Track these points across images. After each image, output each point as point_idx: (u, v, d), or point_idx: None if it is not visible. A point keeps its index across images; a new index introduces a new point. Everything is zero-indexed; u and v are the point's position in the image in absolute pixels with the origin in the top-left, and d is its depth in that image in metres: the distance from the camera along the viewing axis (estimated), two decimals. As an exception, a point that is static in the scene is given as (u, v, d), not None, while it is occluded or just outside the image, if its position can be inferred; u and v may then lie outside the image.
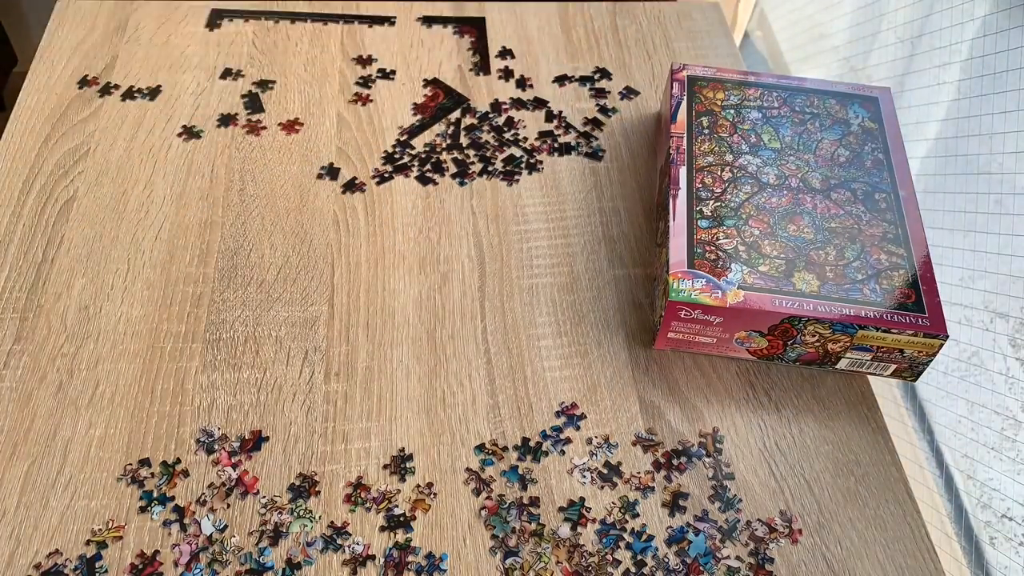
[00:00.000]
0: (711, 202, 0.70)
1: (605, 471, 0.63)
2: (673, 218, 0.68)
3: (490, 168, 0.82)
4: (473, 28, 0.95)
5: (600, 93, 0.89)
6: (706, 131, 0.75)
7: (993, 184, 1.12)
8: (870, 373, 0.67)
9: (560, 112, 0.87)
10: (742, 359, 0.68)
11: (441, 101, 0.87)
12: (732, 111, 0.77)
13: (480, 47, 0.93)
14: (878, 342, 0.64)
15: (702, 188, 0.71)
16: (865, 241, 0.68)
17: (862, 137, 0.76)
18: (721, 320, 0.63)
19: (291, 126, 0.84)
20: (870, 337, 0.63)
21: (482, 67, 0.91)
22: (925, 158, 1.35)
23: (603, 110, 0.88)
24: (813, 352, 0.65)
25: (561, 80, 0.90)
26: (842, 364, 0.66)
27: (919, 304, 0.64)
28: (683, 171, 0.72)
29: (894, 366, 0.65)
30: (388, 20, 0.93)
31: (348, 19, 0.93)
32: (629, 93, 0.90)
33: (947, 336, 0.62)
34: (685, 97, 0.78)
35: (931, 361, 0.65)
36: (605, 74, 0.91)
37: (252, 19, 0.91)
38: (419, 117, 0.85)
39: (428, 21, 0.95)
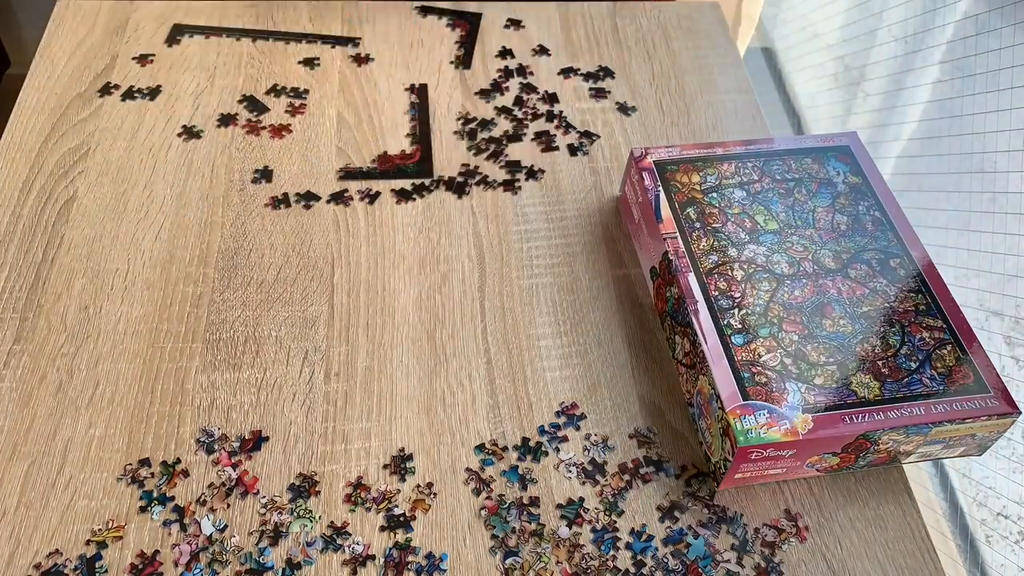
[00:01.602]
0: (735, 311, 0.64)
1: (590, 468, 0.63)
2: (705, 340, 0.62)
3: (489, 179, 0.81)
4: (465, 22, 0.95)
5: (600, 93, 0.90)
6: (697, 225, 0.69)
7: (987, 183, 1.12)
8: (938, 459, 0.63)
9: (560, 112, 0.87)
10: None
11: (409, 164, 0.81)
12: (715, 195, 0.71)
13: (468, 42, 0.93)
14: (952, 434, 0.60)
15: (719, 295, 0.65)
16: (902, 321, 0.64)
17: (852, 196, 0.72)
18: (794, 452, 0.59)
19: (290, 126, 0.84)
20: (944, 431, 0.60)
21: (464, 62, 0.91)
22: (919, 156, 1.35)
23: (604, 110, 0.88)
24: (884, 456, 0.62)
25: (562, 79, 0.90)
26: (912, 458, 0.63)
27: (979, 383, 0.61)
28: (692, 279, 0.65)
29: (963, 448, 0.63)
30: (352, 41, 0.92)
31: (311, 39, 0.91)
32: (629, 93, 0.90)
33: (1020, 412, 0.60)
34: (661, 188, 0.72)
35: (1000, 437, 0.62)
36: (608, 72, 0.91)
37: (213, 35, 0.91)
38: (375, 166, 0.81)
39: (424, 11, 0.95)
